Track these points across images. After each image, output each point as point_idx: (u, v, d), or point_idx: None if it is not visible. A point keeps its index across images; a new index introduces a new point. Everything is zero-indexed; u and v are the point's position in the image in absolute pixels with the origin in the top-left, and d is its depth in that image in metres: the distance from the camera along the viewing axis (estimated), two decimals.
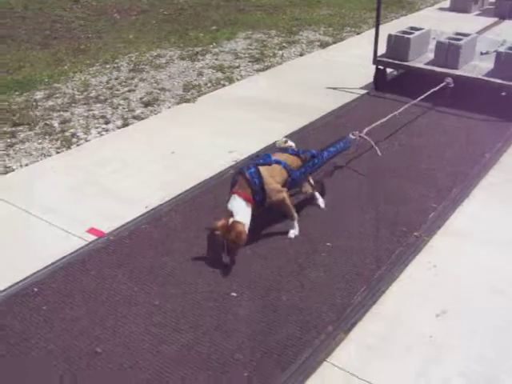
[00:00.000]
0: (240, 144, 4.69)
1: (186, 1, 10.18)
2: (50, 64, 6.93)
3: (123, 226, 3.67)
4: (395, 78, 6.26)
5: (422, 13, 9.33)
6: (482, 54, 5.92)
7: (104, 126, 5.20)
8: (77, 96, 5.92)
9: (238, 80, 6.32)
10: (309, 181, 3.78)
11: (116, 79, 6.38)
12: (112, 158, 4.56)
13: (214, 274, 3.22)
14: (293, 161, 3.57)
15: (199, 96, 5.86)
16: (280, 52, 7.30)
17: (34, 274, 3.25)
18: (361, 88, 6.00)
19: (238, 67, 6.73)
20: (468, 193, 4.03)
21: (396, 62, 5.86)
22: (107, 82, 6.28)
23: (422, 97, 5.06)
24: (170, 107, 5.60)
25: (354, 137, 4.23)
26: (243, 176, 3.28)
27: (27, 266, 3.30)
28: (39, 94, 5.97)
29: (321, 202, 3.85)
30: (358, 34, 8.04)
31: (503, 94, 5.31)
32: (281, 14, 9.24)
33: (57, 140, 4.92)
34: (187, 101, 5.72)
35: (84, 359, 2.68)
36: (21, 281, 3.19)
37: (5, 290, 3.12)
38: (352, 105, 5.63)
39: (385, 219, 3.71)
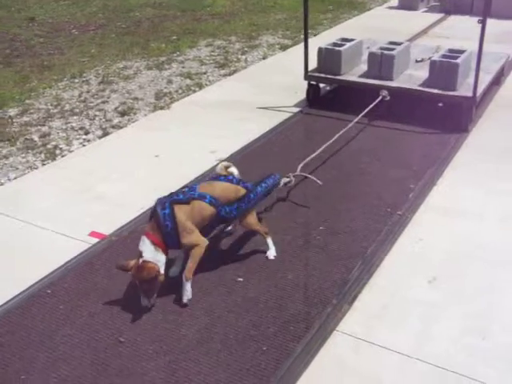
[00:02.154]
0: (220, 144, 4.91)
1: (142, 14, 10.32)
2: (17, 82, 6.98)
3: (123, 227, 3.83)
4: (329, 93, 6.06)
5: (373, 12, 9.73)
6: (417, 61, 5.82)
7: (84, 136, 5.33)
8: (51, 110, 6.02)
9: (207, 85, 6.52)
10: (259, 222, 3.44)
11: (87, 92, 6.50)
12: (98, 166, 4.70)
13: (219, 263, 3.42)
14: (230, 192, 3.19)
15: (172, 103, 6.04)
16: (243, 57, 7.54)
17: (46, 276, 3.38)
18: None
19: (205, 73, 6.94)
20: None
21: (328, 76, 5.58)
22: (79, 96, 6.40)
23: (360, 116, 4.84)
24: (146, 115, 5.76)
25: (288, 178, 3.92)
26: (156, 218, 2.99)
27: (37, 270, 3.42)
28: (12, 111, 6.04)
29: (271, 253, 3.44)
30: (315, 35, 8.33)
31: (440, 104, 5.27)
32: (238, 21, 9.48)
33: (40, 153, 5.03)
34: (161, 108, 5.90)
35: (109, 349, 2.84)
36: (34, 284, 3.32)
37: (20, 294, 3.25)
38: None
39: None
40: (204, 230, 3.14)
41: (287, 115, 5.55)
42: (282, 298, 3.12)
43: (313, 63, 5.70)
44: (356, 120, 4.82)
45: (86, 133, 5.40)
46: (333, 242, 3.59)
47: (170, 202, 3.03)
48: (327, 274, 3.30)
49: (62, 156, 4.96)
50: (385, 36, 7.24)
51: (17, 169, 4.78)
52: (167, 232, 2.97)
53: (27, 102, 6.30)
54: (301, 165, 4.19)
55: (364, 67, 5.61)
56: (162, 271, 2.98)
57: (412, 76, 5.47)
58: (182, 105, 5.96)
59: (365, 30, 8.06)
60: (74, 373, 2.71)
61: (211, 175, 3.50)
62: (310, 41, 7.57)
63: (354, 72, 5.64)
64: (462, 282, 3.22)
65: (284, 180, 3.89)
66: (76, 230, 3.81)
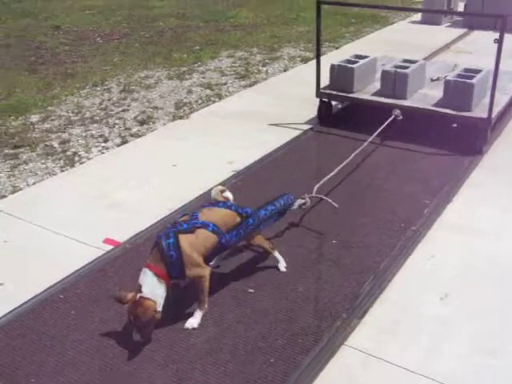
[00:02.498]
0: (237, 155, 4.94)
1: (166, 24, 10.44)
2: (41, 88, 7.10)
3: (137, 234, 3.86)
4: (341, 111, 5.92)
5: (396, 26, 9.73)
6: (432, 80, 5.69)
7: (103, 144, 5.39)
8: (72, 118, 6.10)
9: (226, 96, 6.57)
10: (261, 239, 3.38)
11: (108, 100, 6.58)
12: (116, 173, 4.76)
13: (230, 274, 3.43)
14: (229, 218, 3.12)
15: (191, 113, 6.09)
16: (264, 68, 7.58)
17: (59, 282, 3.42)
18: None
19: (225, 84, 6.99)
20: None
21: (340, 93, 5.49)
22: (100, 104, 6.48)
23: (373, 136, 4.74)
24: (164, 124, 5.82)
25: (303, 200, 3.80)
26: (159, 248, 2.88)
27: (51, 275, 3.46)
28: (34, 118, 6.14)
29: (282, 265, 3.45)
30: (336, 48, 8.36)
31: (454, 125, 5.12)
32: (260, 33, 9.54)
33: (59, 159, 5.10)
34: (181, 117, 5.95)
35: (118, 356, 2.86)
36: (47, 289, 3.36)
37: (33, 298, 3.29)
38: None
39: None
40: (206, 258, 3.04)
41: (302, 130, 5.54)
42: (292, 311, 3.12)
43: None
44: (370, 140, 4.73)
45: (105, 140, 5.46)
46: (346, 256, 3.58)
47: (174, 231, 2.93)
48: (338, 287, 3.29)
49: (81, 163, 5.02)
50: (406, 50, 7.29)
51: (36, 174, 4.85)
52: (171, 262, 2.86)
53: (49, 108, 6.40)
54: (317, 186, 4.06)
55: (378, 85, 5.51)
56: (161, 307, 2.85)
57: (427, 95, 5.35)
58: (201, 115, 6.01)
59: (386, 44, 8.09)
60: (83, 378, 2.74)
61: (207, 203, 3.33)
62: (331, 54, 7.65)
63: (367, 90, 5.54)
64: (474, 300, 3.19)
65: (299, 202, 3.78)
66: (91, 236, 3.85)
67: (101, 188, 4.51)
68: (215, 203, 3.24)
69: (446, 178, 4.52)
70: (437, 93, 5.28)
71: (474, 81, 4.92)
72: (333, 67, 5.52)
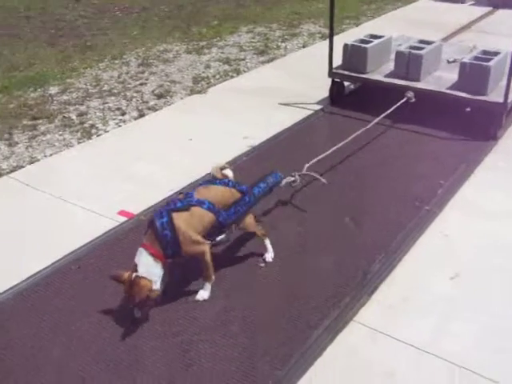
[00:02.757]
0: (253, 130, 4.95)
1: None
2: (60, 61, 7.13)
3: (152, 207, 3.89)
4: (353, 92, 5.79)
5: (418, 4, 9.57)
6: (448, 62, 5.51)
7: (121, 117, 5.42)
8: (90, 90, 6.13)
9: (244, 72, 6.55)
10: (256, 221, 3.34)
11: (126, 73, 6.59)
12: (132, 146, 4.79)
13: (241, 248, 3.46)
14: (227, 195, 3.08)
15: (209, 87, 6.09)
16: (283, 44, 7.53)
17: (73, 251, 3.48)
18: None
19: (243, 59, 6.96)
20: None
21: (353, 74, 5.36)
22: (118, 77, 6.50)
23: (380, 117, 4.65)
24: (182, 98, 5.83)
25: (293, 178, 3.78)
26: (153, 228, 2.85)
27: (66, 245, 3.53)
28: (53, 90, 6.18)
29: (269, 255, 3.35)
30: (357, 25, 8.27)
31: (468, 109, 4.95)
32: (280, 9, 9.46)
33: (77, 131, 5.14)
34: (198, 92, 5.96)
35: (125, 325, 2.91)
36: (61, 258, 3.42)
37: (48, 267, 3.35)
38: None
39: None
40: (204, 236, 2.99)
41: (313, 110, 5.45)
42: (302, 286, 3.15)
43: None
44: (376, 121, 4.63)
45: (123, 113, 5.49)
46: (357, 233, 3.60)
47: (168, 210, 2.89)
48: (349, 264, 3.31)
49: (98, 135, 5.06)
50: (427, 29, 7.22)
51: (53, 146, 4.89)
52: (167, 242, 2.83)
53: (68, 80, 6.43)
54: (307, 165, 3.97)
55: (392, 66, 5.35)
56: (158, 286, 2.84)
57: (441, 78, 5.18)
58: (219, 90, 6.00)
59: (407, 22, 8.00)
60: (92, 347, 2.81)
61: (205, 181, 3.30)
62: (351, 31, 7.58)
63: (381, 71, 5.38)
64: (485, 281, 3.19)
65: (288, 179, 3.75)
66: (106, 208, 3.90)
67: (117, 161, 4.55)
68: (212, 180, 3.17)
69: (459, 160, 4.47)
70: (452, 75, 5.09)
71: (490, 63, 4.76)
72: (346, 47, 5.38)
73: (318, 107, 5.51)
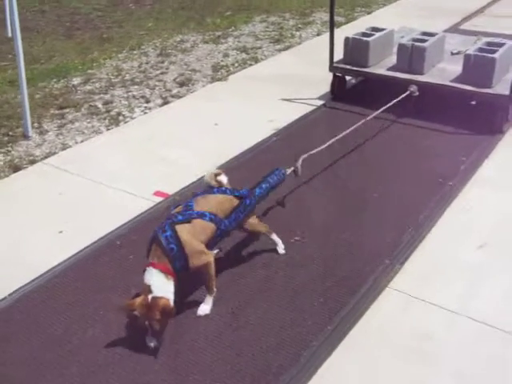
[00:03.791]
0: (277, 114, 5.10)
1: None
2: (79, 53, 7.27)
3: (185, 187, 4.05)
4: (355, 86, 5.69)
5: None
6: (452, 54, 5.40)
7: (146, 104, 5.57)
8: (113, 80, 6.28)
9: (262, 59, 6.69)
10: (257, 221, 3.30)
11: (147, 63, 6.74)
12: (160, 132, 4.94)
13: (277, 223, 3.60)
14: (226, 204, 3.04)
15: (229, 75, 6.23)
16: (297, 33, 7.67)
17: (115, 230, 3.64)
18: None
19: (260, 48, 7.10)
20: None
21: (354, 68, 5.22)
22: (139, 67, 6.64)
23: (380, 110, 4.54)
24: (204, 86, 5.97)
25: (293, 168, 3.70)
26: (158, 243, 2.75)
27: (105, 225, 3.68)
28: (76, 80, 6.32)
29: (280, 247, 3.37)
30: (368, 13, 8.39)
31: (473, 103, 4.73)
32: None
33: (104, 119, 5.29)
34: (219, 79, 6.10)
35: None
36: (104, 236, 3.58)
37: (92, 244, 3.51)
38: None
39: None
40: (207, 246, 2.94)
41: (316, 105, 5.39)
42: (337, 256, 3.31)
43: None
44: (376, 114, 4.52)
45: (147, 101, 5.64)
46: (386, 208, 3.75)
47: (170, 223, 2.81)
48: (380, 236, 3.47)
49: (125, 122, 5.21)
50: (440, 14, 7.33)
51: (83, 133, 5.05)
52: (174, 255, 2.73)
53: (89, 71, 6.57)
54: (303, 156, 3.80)
55: (395, 59, 5.21)
56: (172, 303, 2.70)
57: (445, 70, 5.05)
58: (239, 77, 6.15)
59: (420, 8, 8.11)
60: None
61: (200, 191, 3.21)
62: (363, 19, 7.70)
63: (383, 64, 5.26)
64: (511, 249, 3.35)
65: (289, 171, 3.66)
66: (140, 189, 4.06)
67: (146, 145, 4.70)
68: (209, 190, 3.12)
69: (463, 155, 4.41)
70: (456, 67, 4.96)
71: (495, 55, 4.64)
72: (347, 40, 5.25)
73: (320, 102, 5.44)
